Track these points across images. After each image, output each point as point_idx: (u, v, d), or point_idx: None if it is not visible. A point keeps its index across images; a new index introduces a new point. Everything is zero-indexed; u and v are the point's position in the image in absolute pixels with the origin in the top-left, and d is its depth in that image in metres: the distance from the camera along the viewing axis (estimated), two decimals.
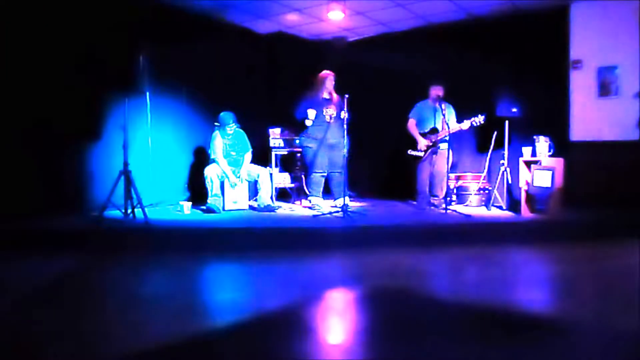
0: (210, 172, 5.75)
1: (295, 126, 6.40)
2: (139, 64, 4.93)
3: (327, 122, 5.88)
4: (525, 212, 5.50)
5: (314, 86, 6.01)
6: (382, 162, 7.08)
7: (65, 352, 2.18)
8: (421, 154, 5.81)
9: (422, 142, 5.77)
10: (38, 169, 4.99)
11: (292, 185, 6.67)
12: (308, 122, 5.88)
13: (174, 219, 5.30)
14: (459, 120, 5.77)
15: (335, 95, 5.95)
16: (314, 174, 6.01)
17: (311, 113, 5.86)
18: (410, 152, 5.86)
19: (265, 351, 2.22)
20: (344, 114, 5.45)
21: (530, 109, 5.84)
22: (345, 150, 5.55)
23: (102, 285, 3.36)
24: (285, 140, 6.58)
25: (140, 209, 4.85)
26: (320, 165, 5.98)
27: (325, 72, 6.03)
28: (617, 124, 5.78)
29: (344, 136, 5.53)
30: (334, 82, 6.00)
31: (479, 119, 5.56)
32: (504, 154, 5.90)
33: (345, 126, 5.50)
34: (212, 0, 6.00)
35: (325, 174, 6.04)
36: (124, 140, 4.93)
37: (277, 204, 6.17)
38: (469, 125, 5.62)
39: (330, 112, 5.88)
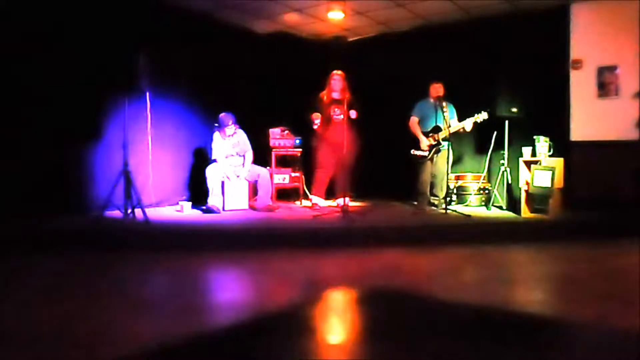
0: (211, 172, 5.75)
1: (296, 126, 6.40)
2: (139, 64, 4.92)
3: (335, 121, 5.89)
4: (525, 212, 5.50)
5: (324, 86, 6.03)
6: (383, 162, 7.07)
7: (65, 352, 2.18)
8: (425, 153, 5.79)
9: (424, 142, 5.77)
10: (38, 169, 4.98)
11: (292, 185, 6.67)
12: (315, 126, 5.93)
13: (174, 219, 5.30)
14: (460, 119, 5.77)
15: (346, 95, 5.95)
16: (319, 173, 6.02)
17: (316, 117, 5.89)
18: (414, 152, 5.85)
19: (266, 351, 2.22)
20: (354, 114, 5.48)
21: (530, 109, 5.84)
22: (352, 150, 5.56)
23: (102, 285, 3.36)
24: (285, 141, 6.58)
25: (140, 209, 4.85)
26: (326, 165, 5.99)
27: (334, 72, 6.04)
28: (617, 124, 5.78)
29: (351, 136, 5.54)
30: (342, 82, 6.00)
31: (482, 115, 5.56)
32: (504, 154, 5.90)
33: (352, 126, 5.52)
34: (212, 0, 6.00)
35: (331, 174, 6.05)
36: (124, 140, 4.93)
37: (277, 204, 6.17)
38: (472, 124, 5.61)
39: (338, 111, 5.89)
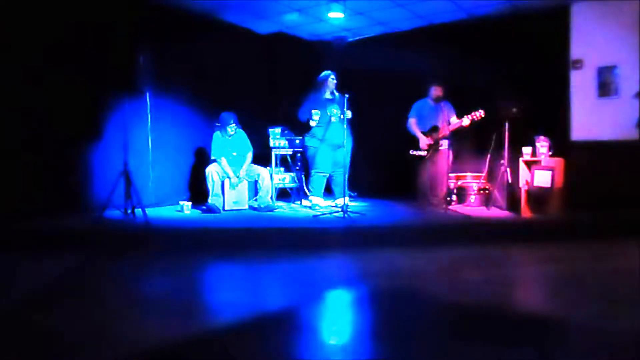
0: (211, 172, 5.75)
1: (296, 126, 6.40)
2: (139, 64, 4.93)
3: (331, 122, 5.89)
4: (525, 212, 5.50)
5: (316, 86, 6.02)
6: (382, 162, 7.07)
7: (65, 351, 2.18)
8: (423, 153, 5.80)
9: (424, 141, 5.77)
10: (38, 168, 4.98)
11: (292, 185, 6.66)
12: (313, 123, 5.90)
13: (174, 219, 5.30)
14: (459, 118, 5.76)
15: (337, 95, 5.95)
16: (316, 173, 6.01)
17: (315, 114, 5.87)
18: (413, 152, 5.85)
19: (265, 351, 2.22)
20: (349, 114, 5.47)
21: (530, 109, 5.84)
22: (349, 150, 5.55)
23: (102, 285, 3.36)
24: (285, 140, 6.57)
25: (140, 209, 4.85)
26: (323, 165, 5.98)
27: (326, 72, 6.03)
28: (617, 124, 5.77)
29: (347, 136, 5.54)
30: (335, 82, 6.00)
31: (478, 113, 5.55)
32: (504, 154, 5.90)
33: (347, 126, 5.52)
34: (212, 0, 6.00)
35: (328, 175, 6.05)
36: (124, 140, 4.93)
37: (277, 204, 6.17)
38: (469, 121, 5.61)
39: (334, 112, 5.89)
